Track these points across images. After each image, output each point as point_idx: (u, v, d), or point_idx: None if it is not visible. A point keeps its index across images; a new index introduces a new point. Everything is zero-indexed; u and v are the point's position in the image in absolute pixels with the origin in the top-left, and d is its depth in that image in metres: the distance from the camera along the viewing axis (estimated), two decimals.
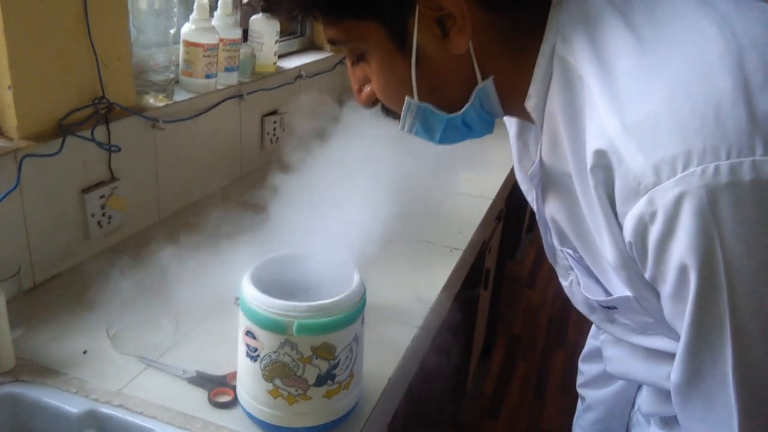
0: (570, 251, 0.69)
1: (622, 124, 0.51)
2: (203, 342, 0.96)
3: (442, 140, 0.68)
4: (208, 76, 1.40)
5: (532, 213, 2.71)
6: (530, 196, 0.74)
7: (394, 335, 1.01)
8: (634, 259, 0.55)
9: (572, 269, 0.72)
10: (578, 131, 0.56)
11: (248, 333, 0.75)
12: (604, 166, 0.53)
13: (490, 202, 1.56)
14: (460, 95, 0.65)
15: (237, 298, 0.78)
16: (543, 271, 3.11)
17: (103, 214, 1.17)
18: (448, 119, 0.66)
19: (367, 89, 0.70)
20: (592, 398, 0.99)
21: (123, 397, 0.84)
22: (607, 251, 0.57)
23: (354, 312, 0.75)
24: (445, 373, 1.65)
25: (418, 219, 1.43)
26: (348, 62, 0.70)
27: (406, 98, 0.65)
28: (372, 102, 0.70)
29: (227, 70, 1.47)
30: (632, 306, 0.62)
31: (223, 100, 1.46)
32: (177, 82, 1.39)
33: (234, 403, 0.83)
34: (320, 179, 0.95)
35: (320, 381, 0.75)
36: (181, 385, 0.87)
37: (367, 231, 0.86)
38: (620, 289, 0.62)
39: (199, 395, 0.86)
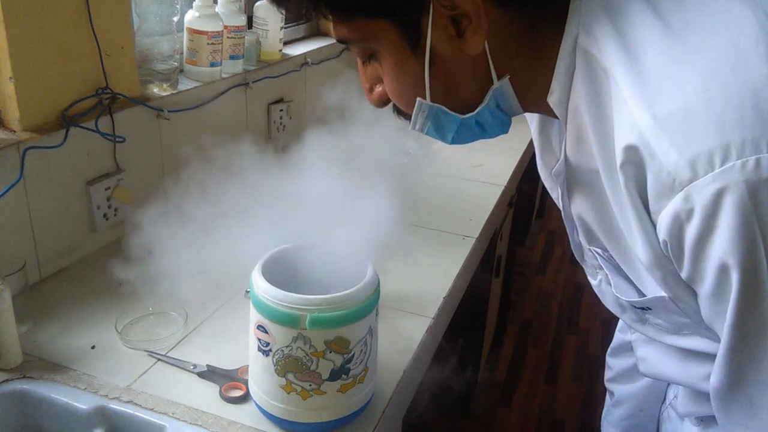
0: (599, 250, 0.66)
1: (653, 118, 0.49)
2: (213, 335, 0.95)
3: (455, 141, 0.66)
4: (212, 65, 1.37)
5: (543, 198, 2.70)
6: (554, 193, 0.71)
7: (407, 326, 0.99)
8: (669, 258, 0.52)
9: (601, 268, 0.69)
10: (605, 126, 0.54)
11: (259, 327, 0.73)
12: (634, 162, 0.50)
13: (501, 188, 1.53)
14: (474, 95, 0.63)
15: (247, 291, 0.76)
16: (553, 258, 3.08)
17: (109, 206, 1.16)
18: (462, 120, 0.64)
19: (378, 89, 0.67)
20: (621, 393, 0.96)
21: (133, 392, 0.83)
22: (639, 250, 0.54)
23: (368, 304, 0.73)
24: (458, 362, 1.64)
25: (429, 207, 1.41)
26: (359, 61, 0.68)
27: (418, 99, 0.63)
28: (383, 102, 0.68)
29: (232, 58, 1.45)
30: (667, 306, 0.59)
31: (229, 89, 1.44)
32: (181, 70, 1.36)
33: (246, 397, 0.82)
34: (328, 168, 0.93)
35: (334, 375, 0.73)
36: (191, 380, 0.85)
37: (379, 220, 0.84)
38: (654, 289, 0.59)
39: (211, 390, 0.84)
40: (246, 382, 0.82)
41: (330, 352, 0.72)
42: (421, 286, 1.11)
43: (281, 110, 1.67)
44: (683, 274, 0.52)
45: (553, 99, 0.59)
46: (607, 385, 1.01)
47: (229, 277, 1.04)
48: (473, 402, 2.07)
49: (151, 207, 1.29)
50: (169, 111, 1.24)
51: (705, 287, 0.51)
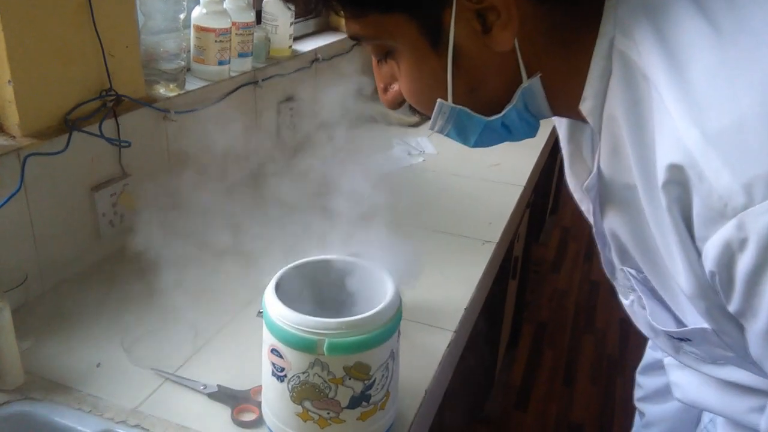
0: (633, 271, 0.61)
1: (702, 134, 0.43)
2: (224, 353, 0.90)
3: (477, 144, 0.61)
4: (221, 63, 1.32)
5: (557, 194, 2.61)
6: (584, 205, 0.66)
7: (428, 342, 0.94)
8: (715, 289, 0.47)
9: (634, 290, 0.64)
10: (645, 140, 0.48)
11: (273, 351, 0.68)
12: (679, 182, 0.45)
13: (521, 189, 1.48)
14: (500, 96, 0.57)
15: (260, 312, 0.71)
16: (568, 255, 3.03)
17: (115, 213, 1.11)
18: (486, 123, 0.58)
19: (393, 88, 0.62)
20: (652, 414, 0.91)
21: (140, 415, 0.78)
22: (681, 278, 0.49)
23: (390, 327, 0.68)
24: (477, 370, 1.59)
25: (446, 210, 1.36)
26: (373, 60, 0.63)
27: (438, 100, 0.58)
28: (398, 103, 0.63)
29: (241, 55, 1.39)
30: (709, 339, 0.54)
31: (238, 87, 1.38)
32: (188, 69, 1.31)
33: (259, 422, 0.77)
34: (341, 172, 0.88)
35: (354, 403, 0.68)
36: (201, 401, 0.81)
37: (397, 230, 0.79)
38: (696, 319, 0.54)
39: (222, 412, 0.79)
40: (259, 405, 0.78)
41: (349, 379, 0.67)
42: (441, 296, 1.06)
43: (291, 109, 1.62)
44: (731, 308, 0.47)
45: (586, 106, 0.54)
46: (637, 404, 0.96)
47: (240, 291, 1.00)
48: (489, 405, 2.02)
49: (157, 213, 1.25)
50: (175, 112, 1.19)
51: (758, 324, 0.46)
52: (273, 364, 0.69)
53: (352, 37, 0.58)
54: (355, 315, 0.67)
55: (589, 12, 0.52)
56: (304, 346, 0.65)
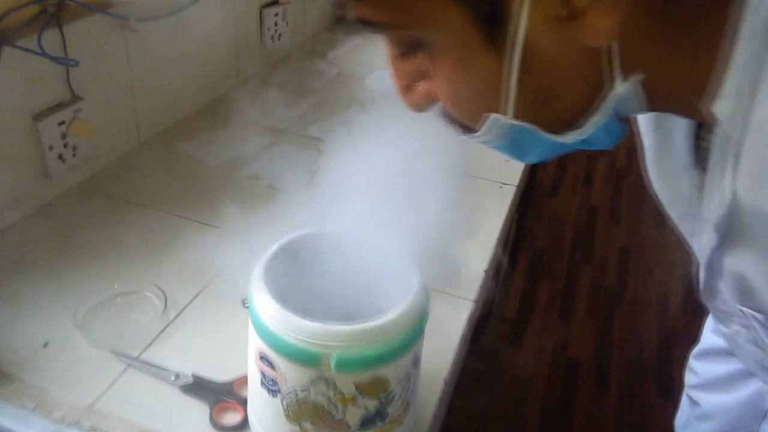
0: (759, 315, 0.46)
1: None
2: (200, 330, 0.74)
3: (535, 159, 0.44)
4: None
5: None
6: (688, 227, 0.50)
7: (444, 315, 0.79)
8: None
9: (746, 327, 0.49)
10: None
11: (263, 358, 0.53)
12: None
13: None
14: (580, 105, 0.40)
15: (245, 302, 0.55)
16: (566, 178, 2.88)
17: (66, 145, 0.92)
18: (559, 143, 0.41)
19: (421, 86, 0.44)
20: (709, 406, 0.79)
21: (97, 414, 0.64)
22: None
23: (414, 332, 0.52)
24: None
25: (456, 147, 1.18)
26: (389, 51, 0.44)
27: (493, 116, 0.41)
28: (428, 104, 0.45)
29: None
30: None
31: None
32: None
33: (244, 425, 0.63)
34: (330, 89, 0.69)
35: (367, 422, 0.54)
36: (173, 396, 0.66)
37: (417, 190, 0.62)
38: None
39: (198, 412, 0.65)
40: (244, 403, 0.63)
41: (362, 398, 0.52)
42: (456, 253, 0.91)
43: (276, 15, 1.39)
44: None
45: (721, 107, 0.37)
46: (690, 392, 0.83)
47: (220, 250, 0.83)
48: (483, 339, 1.93)
49: (119, 144, 1.05)
50: (136, 20, 0.98)
51: None
52: (263, 374, 0.54)
53: (363, 23, 0.39)
54: (368, 311, 0.52)
55: None
56: (305, 359, 0.50)
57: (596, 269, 2.34)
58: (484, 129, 0.42)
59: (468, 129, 0.44)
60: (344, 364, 0.49)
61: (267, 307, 0.51)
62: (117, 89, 1.00)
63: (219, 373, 0.68)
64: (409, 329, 0.51)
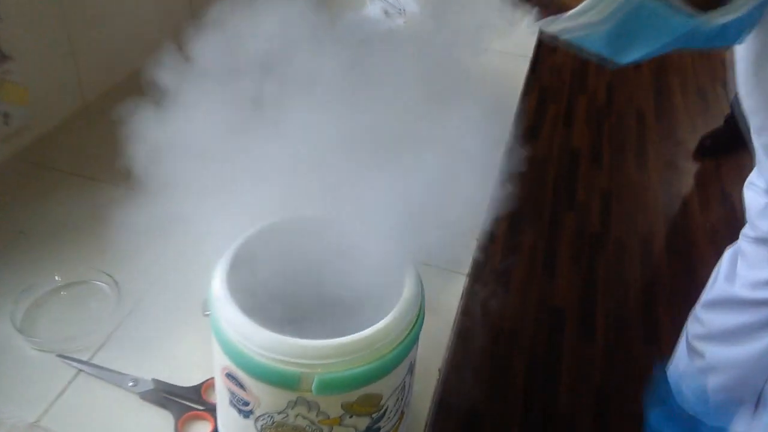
0: None
1: None
2: (161, 325, 0.65)
3: (636, 56, 0.34)
4: None
5: (537, 49, 2.24)
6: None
7: (436, 293, 0.71)
8: None
9: None
10: None
11: (230, 376, 0.44)
12: None
13: (527, 61, 1.20)
14: None
15: (205, 310, 0.46)
16: (547, 119, 2.79)
17: None
18: (695, 26, 0.31)
19: None
20: (716, 358, 0.73)
21: None
22: None
23: (411, 339, 0.44)
24: None
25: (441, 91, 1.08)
26: None
27: None
28: None
29: None
30: None
31: None
32: None
33: None
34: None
35: None
36: (131, 405, 0.58)
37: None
38: None
39: (161, 423, 0.56)
40: (214, 410, 0.55)
41: (350, 417, 0.44)
42: (446, 214, 0.82)
43: None
44: None
45: None
46: (694, 342, 0.78)
47: (180, 224, 0.73)
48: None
49: (58, 109, 0.93)
50: None
51: None
52: (230, 392, 0.45)
53: None
54: (353, 311, 0.44)
55: None
56: (280, 381, 0.41)
57: (579, 214, 2.28)
58: (588, 3, 0.32)
59: (558, 6, 0.33)
60: (328, 387, 0.41)
61: (231, 320, 0.42)
62: (51, 46, 0.87)
63: (184, 376, 0.59)
64: (405, 337, 0.43)
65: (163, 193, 0.77)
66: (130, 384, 0.59)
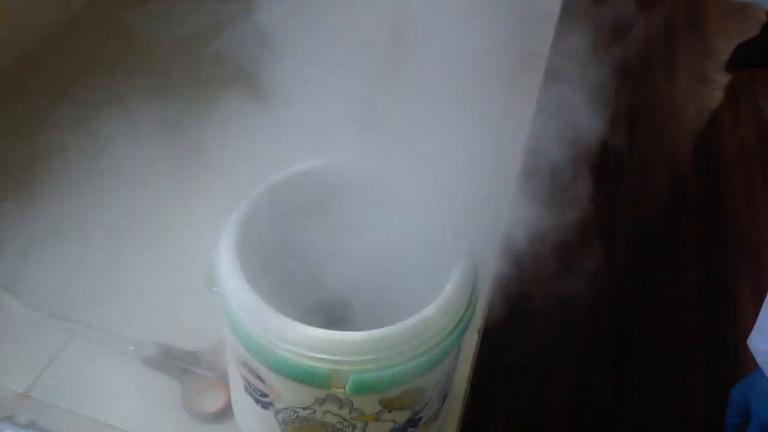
0: None
1: None
2: (165, 277, 0.58)
3: None
4: None
5: None
6: None
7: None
8: None
9: None
10: None
11: (246, 365, 0.37)
12: None
13: None
14: None
15: (212, 286, 0.38)
16: None
17: None
18: None
19: None
20: None
21: (32, 405, 0.49)
22: None
23: (461, 328, 0.36)
24: None
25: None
26: None
27: None
28: None
29: None
30: None
31: None
32: None
33: (227, 413, 0.48)
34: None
35: None
36: (133, 373, 0.51)
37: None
38: None
39: (166, 392, 0.50)
40: (226, 379, 0.48)
41: (389, 412, 0.37)
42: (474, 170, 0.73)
43: None
44: None
45: None
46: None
47: (179, 173, 0.65)
48: None
49: (42, 22, 0.82)
50: None
51: None
52: (247, 381, 0.38)
53: None
54: (392, 290, 0.36)
55: None
56: (306, 378, 0.34)
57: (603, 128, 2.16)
58: None
59: None
60: (364, 387, 0.33)
61: (245, 305, 0.34)
62: None
63: (190, 336, 0.52)
64: (456, 325, 0.35)
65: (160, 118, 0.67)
66: (131, 348, 0.52)
